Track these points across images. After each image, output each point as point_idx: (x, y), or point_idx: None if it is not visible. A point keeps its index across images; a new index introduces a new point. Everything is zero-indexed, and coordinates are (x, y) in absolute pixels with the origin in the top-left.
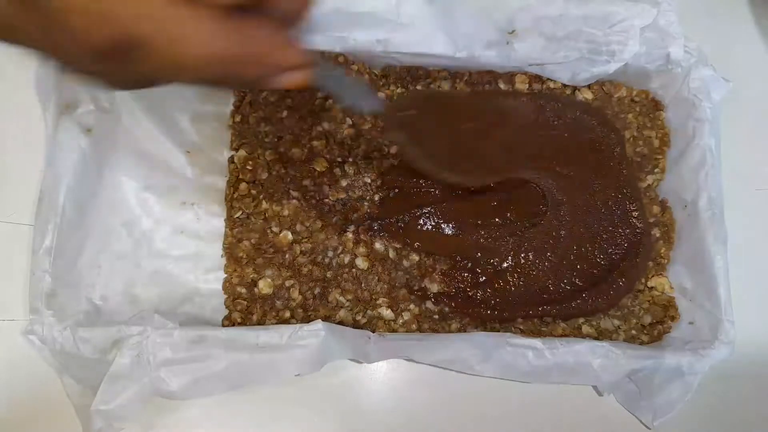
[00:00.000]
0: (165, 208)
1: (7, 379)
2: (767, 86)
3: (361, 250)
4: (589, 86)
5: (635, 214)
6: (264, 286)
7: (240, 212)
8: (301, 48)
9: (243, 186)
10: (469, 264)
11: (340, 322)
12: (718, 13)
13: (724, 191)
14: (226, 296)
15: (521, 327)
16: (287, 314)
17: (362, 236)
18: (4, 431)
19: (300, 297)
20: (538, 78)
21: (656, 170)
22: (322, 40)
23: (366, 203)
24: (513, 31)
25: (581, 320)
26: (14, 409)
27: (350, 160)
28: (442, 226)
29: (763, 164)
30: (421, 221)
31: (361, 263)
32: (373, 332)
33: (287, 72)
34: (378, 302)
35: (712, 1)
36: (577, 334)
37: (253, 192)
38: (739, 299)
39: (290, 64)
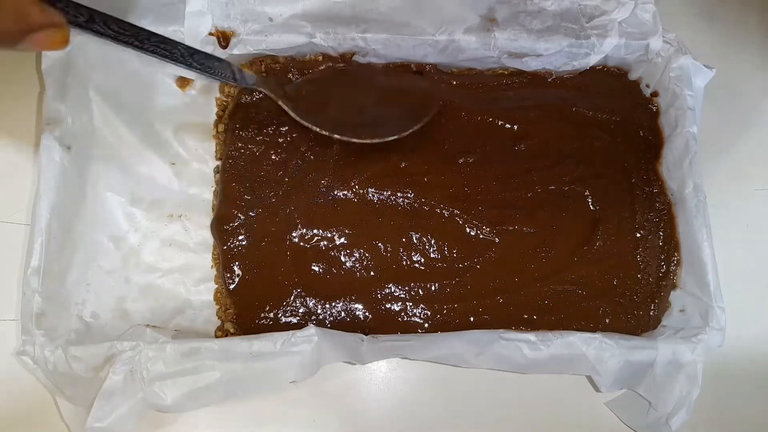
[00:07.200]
0: (152, 222)
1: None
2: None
3: None
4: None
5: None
6: None
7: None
8: (48, 9)
9: None
10: None
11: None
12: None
13: (724, 192)
14: (218, 307)
15: None
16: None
17: None
18: None
19: None
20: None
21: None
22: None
23: None
24: (494, 19)
25: None
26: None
27: None
28: None
29: (763, 165)
30: None
31: None
32: (366, 334)
33: (38, 32)
34: None
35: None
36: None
37: None
38: (739, 299)
39: (37, 21)
